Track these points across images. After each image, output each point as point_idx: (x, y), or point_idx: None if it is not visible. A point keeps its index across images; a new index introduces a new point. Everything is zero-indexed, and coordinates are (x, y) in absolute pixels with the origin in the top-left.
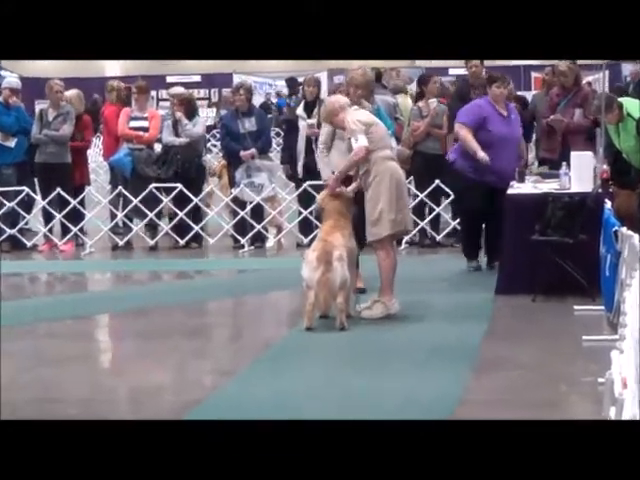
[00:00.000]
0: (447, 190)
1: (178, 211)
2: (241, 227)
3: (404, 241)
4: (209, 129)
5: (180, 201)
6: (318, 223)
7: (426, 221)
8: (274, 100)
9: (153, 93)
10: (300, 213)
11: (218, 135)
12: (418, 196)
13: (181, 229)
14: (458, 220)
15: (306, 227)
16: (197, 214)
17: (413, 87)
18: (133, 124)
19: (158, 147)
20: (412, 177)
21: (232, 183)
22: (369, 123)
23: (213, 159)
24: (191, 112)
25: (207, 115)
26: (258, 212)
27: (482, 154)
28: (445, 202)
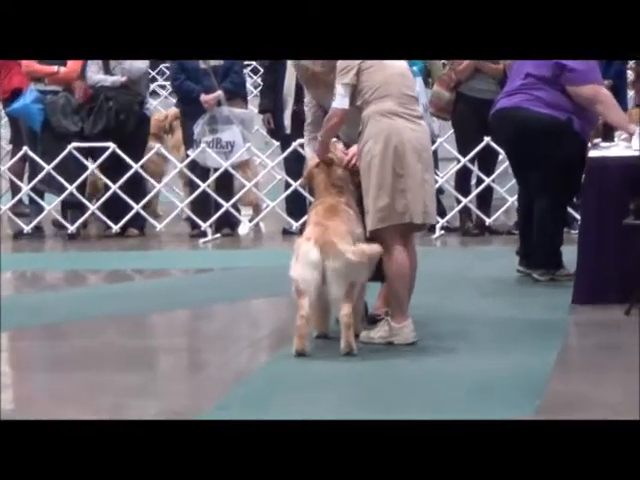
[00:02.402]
0: (500, 152)
1: (110, 182)
2: (202, 206)
3: (439, 226)
4: (154, 63)
5: (113, 168)
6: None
7: (471, 196)
8: None
9: None
10: (288, 185)
11: (167, 71)
12: (460, 161)
13: (115, 209)
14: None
15: (296, 205)
16: (138, 187)
17: None
18: None
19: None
20: (453, 132)
21: (188, 142)
22: (365, 61)
23: (160, 107)
24: None
25: None
26: (226, 184)
27: (633, 126)
28: (499, 169)
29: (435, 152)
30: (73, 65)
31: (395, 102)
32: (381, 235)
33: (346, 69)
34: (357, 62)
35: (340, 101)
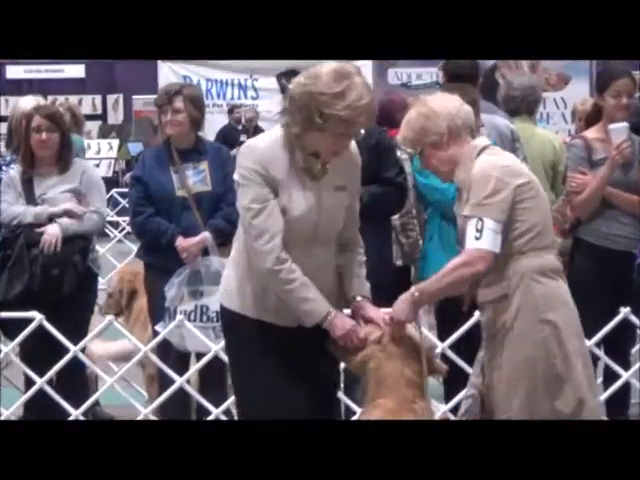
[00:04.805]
0: None
1: (34, 374)
2: (177, 412)
3: None
4: (107, 186)
5: (39, 352)
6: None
7: (601, 398)
8: (253, 118)
9: None
10: None
11: (122, 200)
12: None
13: (42, 414)
14: None
15: None
16: (77, 382)
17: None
18: None
19: None
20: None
21: (156, 312)
22: (523, 187)
23: (111, 255)
24: (68, 148)
25: (100, 154)
26: (216, 378)
27: None
28: None
29: None
30: None
31: (552, 255)
32: None
33: (496, 196)
34: (511, 188)
35: (491, 240)
